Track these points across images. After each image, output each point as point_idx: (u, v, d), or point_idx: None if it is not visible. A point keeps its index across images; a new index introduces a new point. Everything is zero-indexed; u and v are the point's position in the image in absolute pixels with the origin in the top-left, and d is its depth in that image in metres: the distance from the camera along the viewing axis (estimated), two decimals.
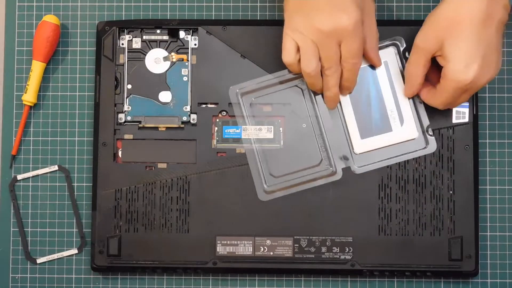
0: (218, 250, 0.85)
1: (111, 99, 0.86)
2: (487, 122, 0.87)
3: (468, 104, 0.85)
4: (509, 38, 0.88)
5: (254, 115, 0.85)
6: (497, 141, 0.87)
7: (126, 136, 0.86)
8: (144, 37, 0.87)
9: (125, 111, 0.86)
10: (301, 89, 0.84)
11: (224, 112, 0.86)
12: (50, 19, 0.87)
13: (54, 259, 0.87)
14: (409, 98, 0.84)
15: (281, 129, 0.86)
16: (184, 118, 0.86)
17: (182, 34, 0.87)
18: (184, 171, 0.85)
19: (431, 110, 0.84)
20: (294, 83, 0.84)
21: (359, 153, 0.84)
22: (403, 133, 0.84)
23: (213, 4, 0.89)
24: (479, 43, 0.76)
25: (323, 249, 0.85)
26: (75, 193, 0.88)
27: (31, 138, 0.88)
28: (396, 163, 0.84)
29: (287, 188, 0.84)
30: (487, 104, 0.88)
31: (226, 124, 0.86)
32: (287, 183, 0.84)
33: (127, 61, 0.87)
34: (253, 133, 0.85)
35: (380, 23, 0.83)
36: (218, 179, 0.85)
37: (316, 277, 0.87)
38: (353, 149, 0.84)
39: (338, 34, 0.76)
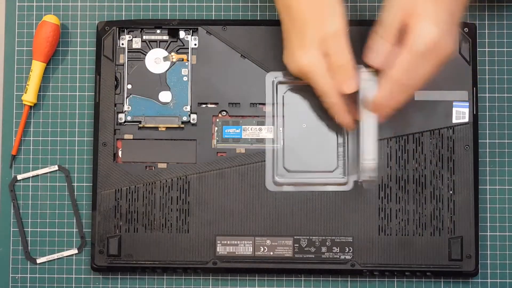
0: (218, 250, 0.85)
1: (111, 99, 0.86)
2: (487, 122, 0.87)
3: (468, 104, 0.85)
4: (509, 38, 0.88)
5: (285, 104, 0.84)
6: (497, 141, 0.87)
7: (126, 136, 0.86)
8: (144, 37, 0.87)
9: (125, 111, 0.86)
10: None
11: (224, 112, 0.86)
12: (50, 19, 0.87)
13: (54, 259, 0.87)
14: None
15: (281, 129, 0.86)
16: (184, 118, 0.86)
17: (182, 34, 0.87)
18: (184, 171, 0.85)
19: (431, 110, 0.84)
20: None
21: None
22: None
23: (213, 4, 0.89)
24: (451, 7, 0.72)
25: (323, 249, 0.85)
26: (75, 193, 0.88)
27: (31, 138, 0.88)
28: (396, 163, 0.84)
29: (296, 185, 0.84)
30: (487, 104, 0.88)
31: (226, 124, 0.86)
32: (297, 180, 0.84)
33: (127, 61, 0.87)
34: (279, 120, 0.84)
35: None
36: (218, 179, 0.85)
37: (316, 277, 0.87)
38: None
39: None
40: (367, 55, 0.77)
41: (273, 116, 0.85)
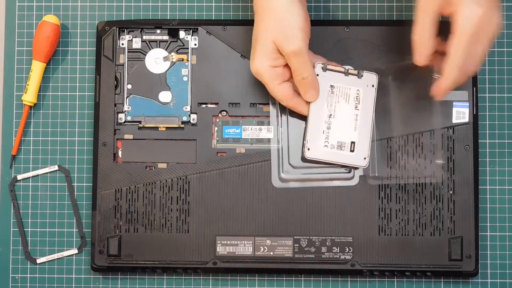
0: (218, 250, 0.85)
1: (111, 99, 0.86)
2: (487, 122, 0.87)
3: (468, 104, 0.85)
4: (509, 38, 0.88)
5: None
6: (497, 141, 0.87)
7: (126, 136, 0.86)
8: (144, 37, 0.87)
9: (125, 111, 0.86)
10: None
11: (224, 112, 0.86)
12: (50, 19, 0.87)
13: (54, 259, 0.87)
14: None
15: (281, 129, 0.86)
16: (184, 118, 0.86)
17: (182, 34, 0.87)
18: (184, 171, 0.85)
19: (431, 110, 0.84)
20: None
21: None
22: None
23: (213, 4, 0.89)
24: None
25: (323, 249, 0.85)
26: (75, 193, 0.88)
27: (31, 138, 0.88)
28: (396, 163, 0.84)
29: (302, 181, 0.84)
30: (487, 104, 0.88)
31: (226, 124, 0.86)
32: (303, 176, 0.84)
33: (127, 61, 0.87)
34: (281, 120, 0.85)
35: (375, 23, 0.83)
36: (218, 179, 0.85)
37: (316, 277, 0.87)
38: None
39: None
40: (414, 58, 0.78)
41: (277, 116, 0.85)
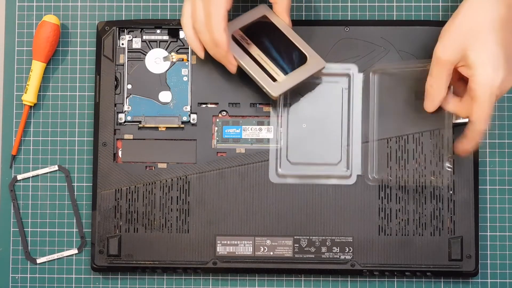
0: (218, 250, 0.85)
1: (111, 99, 0.86)
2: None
3: None
4: None
5: (286, 104, 0.85)
6: (497, 141, 0.87)
7: (126, 136, 0.86)
8: (144, 37, 0.87)
9: (125, 111, 0.86)
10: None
11: (224, 112, 0.86)
12: (50, 19, 0.87)
13: (54, 259, 0.87)
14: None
15: (281, 129, 0.86)
16: (184, 118, 0.86)
17: (182, 34, 0.87)
18: (184, 171, 0.85)
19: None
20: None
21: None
22: None
23: None
24: (502, 47, 0.75)
25: (323, 249, 0.85)
26: (75, 193, 0.88)
27: (31, 138, 0.88)
28: (396, 163, 0.84)
29: (300, 177, 0.84)
30: None
31: (226, 124, 0.86)
32: (301, 172, 0.84)
33: (127, 61, 0.87)
34: (281, 120, 0.85)
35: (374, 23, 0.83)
36: (218, 179, 0.85)
37: (316, 277, 0.87)
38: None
39: None
40: (425, 104, 0.81)
41: (277, 116, 0.85)
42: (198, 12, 0.79)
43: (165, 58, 0.87)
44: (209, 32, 0.79)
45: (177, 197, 0.85)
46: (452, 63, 0.77)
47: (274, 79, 0.81)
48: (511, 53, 0.76)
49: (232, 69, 0.82)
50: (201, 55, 0.82)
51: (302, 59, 0.81)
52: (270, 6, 0.83)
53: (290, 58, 0.82)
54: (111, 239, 0.85)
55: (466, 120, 0.84)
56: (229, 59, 0.81)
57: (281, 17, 0.82)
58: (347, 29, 0.85)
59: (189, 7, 0.81)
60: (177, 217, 0.85)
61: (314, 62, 0.81)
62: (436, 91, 0.79)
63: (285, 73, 0.81)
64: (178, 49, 0.87)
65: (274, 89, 0.81)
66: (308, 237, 0.85)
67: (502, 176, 0.87)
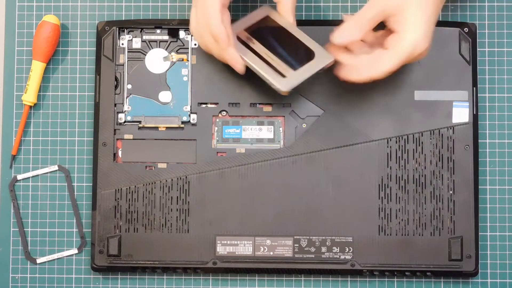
0: (218, 250, 0.85)
1: (111, 99, 0.86)
2: (487, 122, 0.87)
3: (468, 104, 0.85)
4: (509, 38, 0.88)
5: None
6: (497, 141, 0.87)
7: (126, 136, 0.86)
8: (144, 37, 0.87)
9: (125, 111, 0.86)
10: None
11: (224, 112, 0.86)
12: (50, 19, 0.87)
13: (54, 259, 0.87)
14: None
15: (281, 129, 0.86)
16: (184, 118, 0.86)
17: (182, 34, 0.87)
18: (184, 171, 0.85)
19: (431, 110, 0.84)
20: None
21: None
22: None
23: None
24: (434, 14, 0.77)
25: (323, 249, 0.85)
26: (75, 193, 0.88)
27: (31, 138, 0.88)
28: (396, 163, 0.84)
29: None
30: (487, 104, 0.88)
31: (226, 124, 0.86)
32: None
33: (127, 61, 0.87)
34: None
35: None
36: (218, 179, 0.85)
37: (316, 277, 0.87)
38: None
39: None
40: (334, 34, 0.78)
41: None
42: (198, 14, 0.79)
43: (165, 58, 0.87)
44: (207, 28, 0.79)
45: (177, 197, 0.85)
46: (387, 11, 0.76)
47: (282, 76, 0.81)
48: (434, 22, 0.78)
49: (240, 68, 0.81)
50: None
51: (310, 55, 0.81)
52: (274, 6, 0.83)
53: (298, 55, 0.81)
54: (111, 239, 0.85)
55: (467, 120, 0.85)
56: (233, 56, 0.80)
57: (285, 17, 0.82)
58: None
59: (193, 12, 0.80)
60: (177, 217, 0.85)
61: (322, 57, 0.80)
62: (354, 29, 0.78)
63: (294, 68, 0.81)
64: (178, 49, 0.87)
65: (284, 84, 0.80)
66: (308, 237, 0.85)
67: (502, 176, 0.87)
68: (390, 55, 0.77)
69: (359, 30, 0.78)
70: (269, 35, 0.82)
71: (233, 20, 0.82)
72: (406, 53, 0.76)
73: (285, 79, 0.80)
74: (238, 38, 0.82)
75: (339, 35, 0.78)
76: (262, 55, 0.81)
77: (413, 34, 0.76)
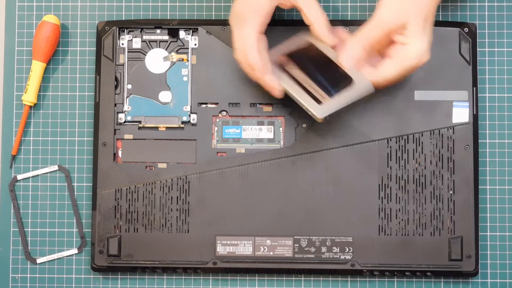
0: (218, 250, 0.85)
1: (111, 99, 0.86)
2: (487, 122, 0.87)
3: (468, 104, 0.85)
4: (509, 38, 0.88)
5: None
6: (497, 141, 0.87)
7: (126, 136, 0.86)
8: (144, 37, 0.87)
9: (125, 111, 0.86)
10: None
11: (224, 112, 0.86)
12: (50, 19, 0.87)
13: (54, 259, 0.87)
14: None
15: (281, 129, 0.86)
16: (184, 118, 0.86)
17: (182, 34, 0.87)
18: (184, 171, 0.85)
19: (431, 110, 0.84)
20: None
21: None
22: None
23: (213, 4, 0.89)
24: (432, 23, 0.79)
25: (323, 249, 0.85)
26: (75, 193, 0.88)
27: (31, 138, 0.88)
28: (396, 163, 0.84)
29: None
30: (487, 104, 0.88)
31: (226, 124, 0.86)
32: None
33: (127, 61, 0.87)
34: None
35: None
36: (218, 179, 0.85)
37: (316, 277, 0.87)
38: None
39: None
40: (342, 58, 0.80)
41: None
42: (236, 43, 0.80)
43: (165, 58, 0.87)
44: (243, 56, 0.80)
45: (177, 197, 0.85)
46: (392, 28, 0.78)
47: (319, 102, 0.80)
48: (431, 29, 0.79)
49: (278, 94, 0.81)
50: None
51: (348, 81, 0.80)
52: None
53: (335, 81, 0.80)
54: (111, 239, 0.85)
55: (467, 120, 0.85)
56: (271, 83, 0.80)
57: (322, 38, 0.81)
58: (347, 29, 0.85)
59: (233, 38, 0.81)
60: (177, 217, 0.85)
61: (361, 85, 0.80)
62: (358, 48, 0.80)
63: (330, 95, 0.80)
64: (178, 49, 0.87)
65: (319, 111, 0.79)
66: (308, 237, 0.85)
67: (502, 176, 0.87)
68: (394, 63, 0.79)
69: (363, 50, 0.80)
70: (307, 60, 0.82)
71: (272, 45, 0.82)
72: (412, 65, 0.78)
73: (321, 106, 0.80)
74: (277, 63, 0.81)
75: (347, 60, 0.80)
76: (299, 80, 0.81)
77: (419, 46, 0.78)
